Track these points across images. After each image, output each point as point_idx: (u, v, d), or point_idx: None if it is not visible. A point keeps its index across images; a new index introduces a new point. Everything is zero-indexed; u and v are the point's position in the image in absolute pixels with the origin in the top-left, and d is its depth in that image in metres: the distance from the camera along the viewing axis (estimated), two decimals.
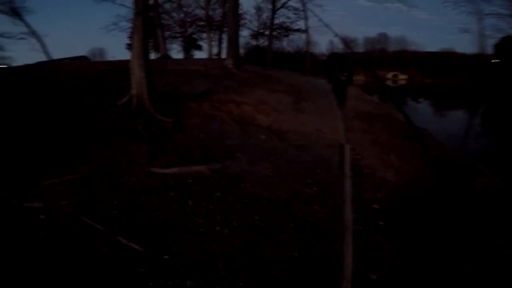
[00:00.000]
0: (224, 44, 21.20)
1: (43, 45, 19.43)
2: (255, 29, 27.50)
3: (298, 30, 23.23)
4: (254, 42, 29.25)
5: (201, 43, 29.91)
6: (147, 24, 6.71)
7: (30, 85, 7.14)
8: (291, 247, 2.91)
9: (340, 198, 3.95)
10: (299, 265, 2.67)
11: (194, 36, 29.06)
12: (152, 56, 15.13)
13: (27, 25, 15.94)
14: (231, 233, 3.13)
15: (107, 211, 3.39)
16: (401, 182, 4.61)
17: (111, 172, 4.14)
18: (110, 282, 2.45)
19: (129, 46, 28.11)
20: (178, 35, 28.55)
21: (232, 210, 3.55)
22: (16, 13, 15.09)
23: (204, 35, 26.42)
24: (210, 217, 3.40)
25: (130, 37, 27.18)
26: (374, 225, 3.36)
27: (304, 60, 20.52)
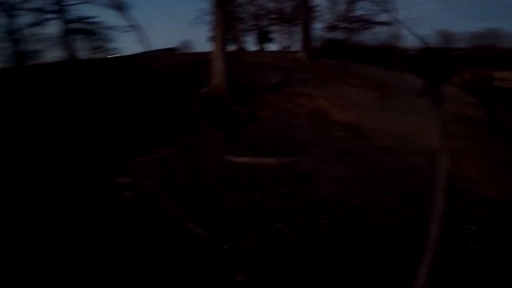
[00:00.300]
0: (296, 37, 20.71)
1: (143, 37, 22.54)
2: (330, 21, 26.07)
3: (381, 23, 20.92)
4: (329, 35, 27.83)
5: (273, 36, 29.93)
6: (227, 17, 6.96)
7: (131, 73, 8.30)
8: (356, 258, 2.66)
9: (426, 213, 3.40)
10: (360, 279, 2.43)
11: (266, 29, 29.21)
12: (231, 48, 15.89)
13: (129, 18, 18.58)
14: (291, 233, 3.03)
15: (182, 194, 3.67)
16: (507, 202, 3.73)
17: (190, 156, 4.51)
18: (169, 264, 2.58)
19: (211, 39, 30.11)
20: (252, 28, 29.17)
21: (296, 209, 3.43)
22: (120, 8, 17.78)
23: (276, 28, 26.33)
24: (273, 212, 3.35)
25: (211, 30, 29.11)
26: (464, 247, 2.86)
27: (390, 54, 18.47)
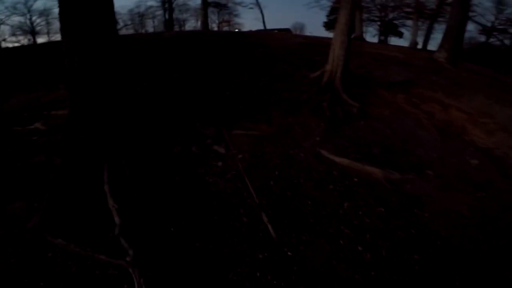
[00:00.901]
0: (433, 35, 17.31)
1: (262, 15, 23.43)
2: (489, 24, 20.74)
3: None
4: (482, 39, 22.41)
5: (401, 30, 26.49)
6: (356, 1, 6.08)
7: (246, 47, 8.49)
8: None
9: None
10: None
11: (395, 22, 26.03)
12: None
13: None
14: (372, 261, 2.48)
15: (266, 179, 3.40)
16: None
17: (285, 140, 4.17)
18: (226, 253, 2.42)
19: (326, 24, 28.76)
20: (376, 18, 26.52)
21: (389, 236, 2.77)
22: None
23: (408, 22, 23.06)
24: (360, 232, 2.79)
25: (328, 15, 27.71)
26: None
27: None
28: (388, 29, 27.17)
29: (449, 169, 4.09)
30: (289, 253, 2.49)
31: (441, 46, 9.56)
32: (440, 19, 19.44)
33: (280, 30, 19.28)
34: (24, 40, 26.23)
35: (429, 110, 5.36)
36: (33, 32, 27.01)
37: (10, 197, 2.84)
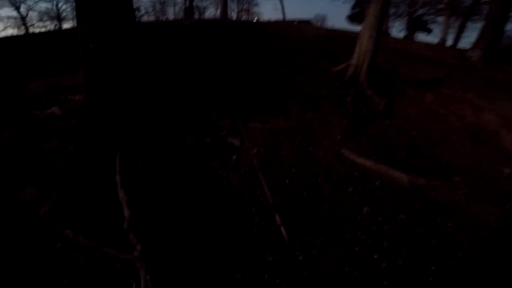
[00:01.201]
0: (465, 33, 16.29)
1: (282, 5, 22.91)
2: None
3: None
4: None
5: (430, 26, 25.26)
6: None
7: (264, 38, 8.23)
8: None
9: None
10: None
11: (423, 18, 24.84)
12: None
13: None
14: (387, 272, 2.34)
15: (282, 177, 3.26)
16: None
17: (304, 136, 3.98)
18: (237, 254, 2.33)
19: (350, 17, 27.76)
20: (403, 14, 25.40)
21: (409, 245, 2.60)
22: None
23: (439, 19, 21.90)
24: (378, 239, 2.63)
25: (353, 8, 26.71)
26: None
27: None
28: (416, 25, 26.00)
29: (478, 177, 3.80)
30: (300, 257, 2.38)
31: (475, 44, 8.96)
32: (474, 17, 18.36)
33: (300, 21, 18.75)
34: (50, 26, 26.94)
35: (459, 112, 4.98)
36: (59, 17, 27.66)
37: (23, 183, 2.83)
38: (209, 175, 3.19)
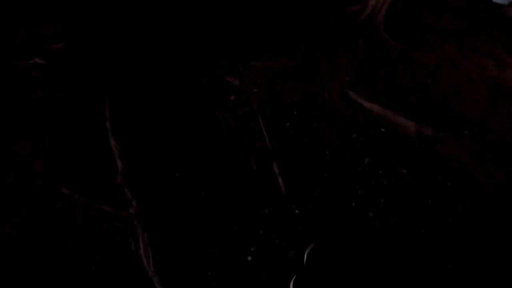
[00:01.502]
0: None
1: None
2: None
3: None
4: None
5: None
6: None
7: None
8: None
9: None
10: None
11: None
12: None
13: None
14: (379, 232, 2.30)
15: (282, 119, 3.06)
16: None
17: (308, 76, 3.67)
18: (234, 206, 2.26)
19: None
20: None
21: (404, 205, 2.52)
22: None
23: None
24: (374, 194, 2.53)
25: None
26: None
27: None
28: None
29: (489, 133, 3.58)
30: (296, 211, 2.33)
31: None
32: None
33: None
34: None
35: (481, 66, 4.56)
36: None
37: (14, 137, 2.68)
38: (205, 117, 3.01)
